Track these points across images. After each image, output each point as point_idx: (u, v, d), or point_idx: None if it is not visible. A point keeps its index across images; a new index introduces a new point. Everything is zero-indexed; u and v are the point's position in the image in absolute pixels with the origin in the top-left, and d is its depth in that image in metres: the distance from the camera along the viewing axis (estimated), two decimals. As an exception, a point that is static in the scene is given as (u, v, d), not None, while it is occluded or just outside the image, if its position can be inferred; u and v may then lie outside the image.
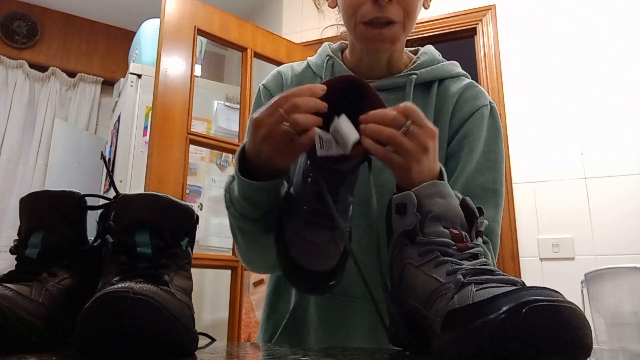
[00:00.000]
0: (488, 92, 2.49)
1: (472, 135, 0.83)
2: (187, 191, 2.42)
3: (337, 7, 0.89)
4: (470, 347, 0.39)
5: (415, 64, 0.89)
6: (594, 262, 2.15)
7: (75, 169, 3.52)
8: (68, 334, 0.52)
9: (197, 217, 0.61)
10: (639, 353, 1.55)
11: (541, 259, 2.31)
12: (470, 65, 2.49)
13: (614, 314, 1.69)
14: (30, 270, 0.56)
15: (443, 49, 1.02)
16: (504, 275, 0.45)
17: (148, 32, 3.02)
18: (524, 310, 0.36)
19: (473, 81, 0.90)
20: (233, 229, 0.77)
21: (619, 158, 2.28)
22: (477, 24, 2.71)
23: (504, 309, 0.37)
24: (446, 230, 0.51)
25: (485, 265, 0.48)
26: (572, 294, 1.96)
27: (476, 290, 0.42)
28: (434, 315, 0.45)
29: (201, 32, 2.40)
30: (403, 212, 0.53)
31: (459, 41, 2.82)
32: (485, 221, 0.55)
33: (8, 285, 0.51)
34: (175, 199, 0.58)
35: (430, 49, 0.94)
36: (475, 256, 0.50)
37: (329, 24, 0.94)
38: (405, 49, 0.92)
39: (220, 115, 2.85)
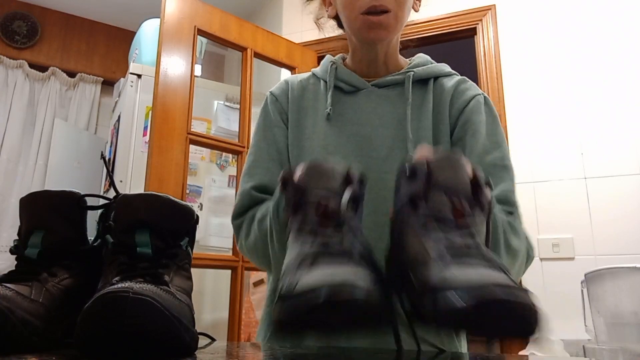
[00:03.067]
0: (488, 92, 2.51)
1: (472, 120, 0.90)
2: (187, 191, 2.42)
3: (334, 18, 0.99)
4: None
5: (412, 64, 0.99)
6: (594, 262, 2.15)
7: (75, 169, 3.52)
8: (68, 334, 0.52)
9: (197, 217, 0.62)
10: (639, 353, 1.55)
11: (541, 259, 2.31)
12: (470, 65, 2.49)
13: (614, 314, 1.69)
14: (30, 270, 0.56)
15: (443, 49, 1.09)
16: (492, 259, 0.46)
17: (148, 32, 3.02)
18: (478, 307, 0.39)
19: (464, 77, 0.99)
20: (257, 231, 0.84)
21: (619, 158, 2.28)
22: (477, 24, 2.70)
23: (464, 304, 0.40)
24: (449, 204, 0.51)
25: (477, 248, 0.48)
26: (572, 294, 1.96)
27: (456, 271, 0.44)
28: (418, 286, 0.47)
29: (201, 32, 2.40)
30: (411, 179, 0.54)
31: (459, 41, 2.82)
32: (493, 199, 0.56)
33: (8, 285, 0.52)
34: (175, 199, 0.58)
35: (423, 54, 1.04)
36: (471, 235, 0.50)
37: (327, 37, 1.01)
38: (401, 57, 1.02)
39: (220, 115, 2.85)
